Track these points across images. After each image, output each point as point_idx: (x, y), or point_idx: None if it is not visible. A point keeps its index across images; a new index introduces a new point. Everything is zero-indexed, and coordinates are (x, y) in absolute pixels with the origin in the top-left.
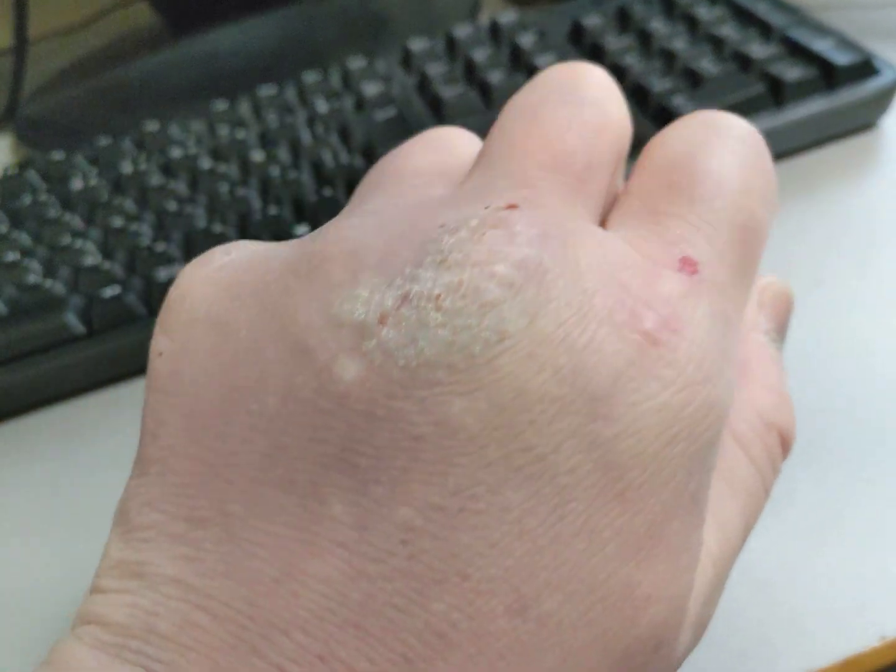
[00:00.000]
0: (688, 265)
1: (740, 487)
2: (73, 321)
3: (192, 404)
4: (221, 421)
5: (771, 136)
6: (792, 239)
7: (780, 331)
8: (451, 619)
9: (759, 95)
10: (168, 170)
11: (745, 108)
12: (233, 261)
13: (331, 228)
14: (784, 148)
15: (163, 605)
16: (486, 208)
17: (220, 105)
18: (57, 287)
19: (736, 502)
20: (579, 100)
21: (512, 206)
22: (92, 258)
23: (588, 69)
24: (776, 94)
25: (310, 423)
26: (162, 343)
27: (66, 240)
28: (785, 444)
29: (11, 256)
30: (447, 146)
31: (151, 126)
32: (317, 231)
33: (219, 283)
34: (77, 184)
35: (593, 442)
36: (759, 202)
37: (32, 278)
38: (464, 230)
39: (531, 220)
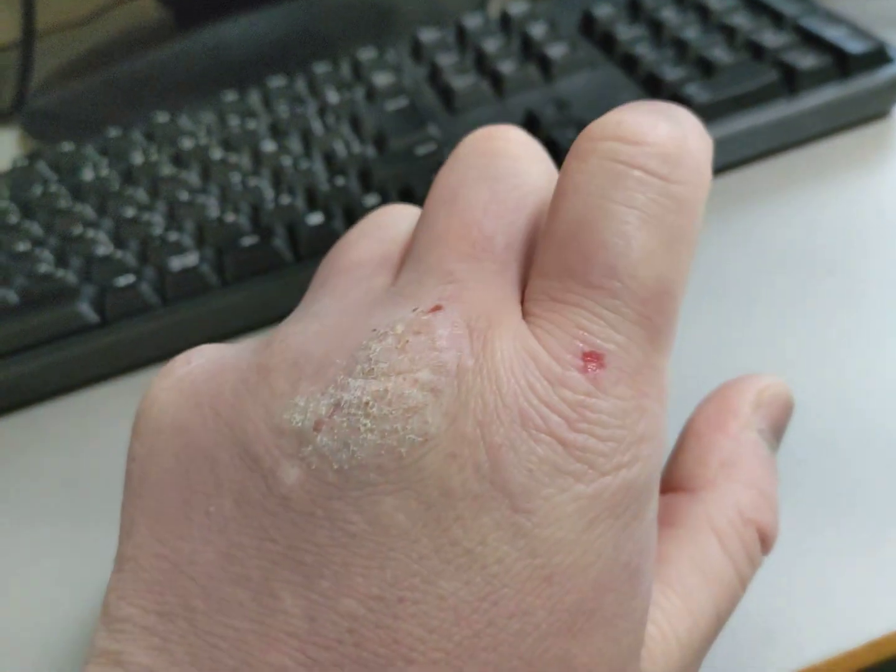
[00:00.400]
0: (593, 359)
1: (713, 578)
2: (86, 310)
3: (158, 507)
4: (183, 523)
5: (785, 125)
6: (805, 228)
7: (776, 432)
8: None
9: (772, 83)
10: (179, 160)
11: (758, 97)
12: (192, 370)
13: (279, 335)
14: (798, 136)
15: None
16: (413, 310)
17: (230, 96)
18: (69, 276)
19: (708, 591)
20: (495, 174)
21: (437, 308)
22: (104, 248)
23: (502, 133)
24: (790, 82)
25: (260, 524)
26: (135, 448)
27: (77, 230)
28: (765, 542)
29: (22, 246)
30: (388, 232)
31: (161, 117)
32: (271, 336)
33: (182, 391)
34: (88, 174)
35: (517, 533)
36: (667, 257)
37: (44, 268)
38: (390, 337)
39: (453, 320)
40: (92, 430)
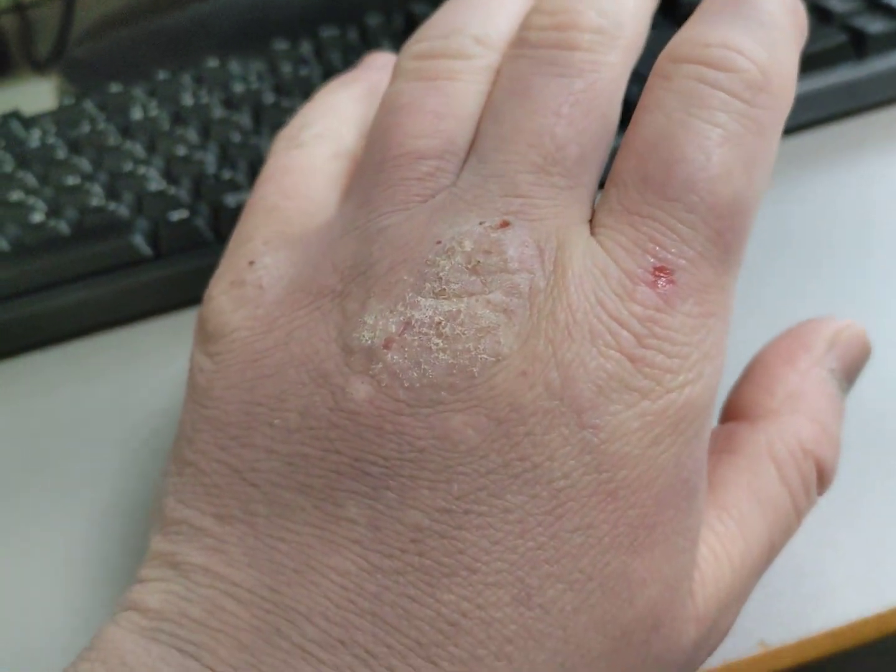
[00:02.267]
0: (663, 274)
1: (769, 505)
2: (140, 243)
3: (223, 417)
4: (247, 432)
5: (853, 88)
6: (868, 193)
7: (848, 374)
8: (461, 609)
9: (841, 45)
10: (230, 104)
11: (826, 59)
12: (262, 289)
13: (342, 249)
14: (866, 101)
15: (194, 591)
16: (480, 223)
17: (281, 45)
18: (122, 210)
19: (763, 518)
20: (571, 68)
21: (504, 224)
22: (156, 184)
23: (576, 11)
24: (858, 46)
25: (325, 436)
26: (201, 361)
27: (128, 166)
28: (822, 477)
29: (72, 181)
30: (449, 104)
31: (211, 62)
32: (331, 245)
33: (254, 316)
34: (136, 114)
35: (584, 448)
36: (744, 179)
37: (95, 201)
38: (458, 255)
39: (523, 239)
40: (143, 363)
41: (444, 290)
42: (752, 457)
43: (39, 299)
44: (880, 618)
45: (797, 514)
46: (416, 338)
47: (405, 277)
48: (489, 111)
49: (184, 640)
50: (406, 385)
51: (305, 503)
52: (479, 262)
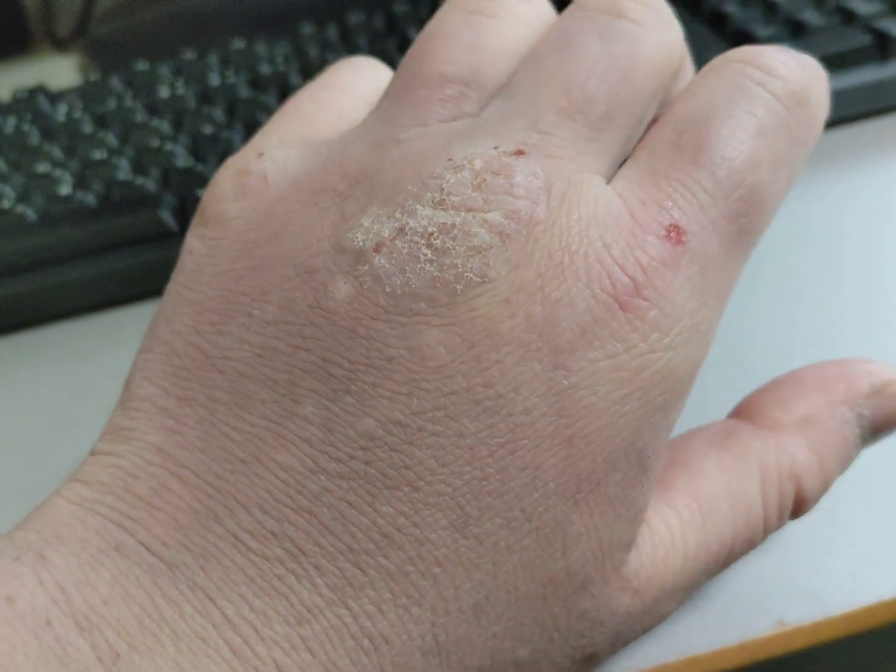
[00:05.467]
0: (674, 233)
1: (740, 511)
2: (167, 217)
3: (205, 302)
4: (225, 319)
5: (876, 89)
6: (892, 190)
7: (875, 428)
8: (396, 523)
9: (865, 47)
10: (257, 84)
11: (850, 59)
12: (267, 180)
13: (356, 154)
14: (889, 102)
15: (143, 469)
16: (495, 148)
17: (307, 28)
18: (149, 184)
19: (731, 521)
20: (615, 33)
21: (519, 153)
22: (183, 160)
23: None
24: (882, 47)
25: (299, 332)
26: (194, 242)
27: (154, 142)
28: (799, 507)
29: (98, 155)
30: (482, 38)
31: (238, 43)
32: (345, 148)
33: (255, 207)
34: (163, 92)
35: (551, 389)
36: (770, 174)
37: (122, 175)
38: (466, 171)
39: (534, 170)
40: None
41: (444, 200)
42: (741, 459)
43: (67, 269)
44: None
45: (764, 530)
46: (406, 245)
47: (409, 187)
48: (528, 57)
49: (123, 514)
50: (387, 290)
51: (266, 396)
52: (484, 180)
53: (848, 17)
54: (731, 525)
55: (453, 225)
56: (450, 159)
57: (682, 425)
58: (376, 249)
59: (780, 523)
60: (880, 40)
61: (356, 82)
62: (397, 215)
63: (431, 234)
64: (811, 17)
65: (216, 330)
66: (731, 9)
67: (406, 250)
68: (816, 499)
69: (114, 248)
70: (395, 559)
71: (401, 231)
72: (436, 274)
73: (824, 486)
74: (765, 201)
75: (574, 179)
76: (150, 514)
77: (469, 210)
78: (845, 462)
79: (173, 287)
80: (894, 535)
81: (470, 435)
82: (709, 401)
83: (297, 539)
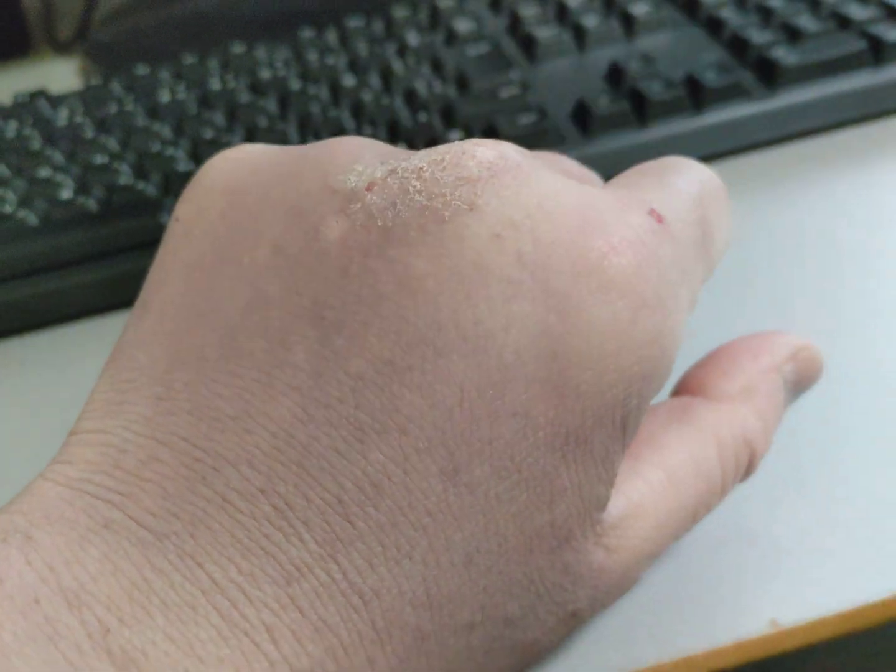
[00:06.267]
0: (655, 215)
1: (703, 478)
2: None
3: (196, 260)
4: (216, 272)
5: (870, 94)
6: (885, 194)
7: (798, 388)
8: (386, 471)
9: (859, 52)
10: (256, 89)
11: (845, 65)
12: (256, 149)
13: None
14: (882, 107)
15: (132, 442)
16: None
17: (307, 33)
18: (150, 189)
19: (695, 488)
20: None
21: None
22: (184, 164)
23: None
24: (876, 53)
25: (291, 275)
26: (181, 209)
27: (156, 147)
28: (749, 468)
29: (100, 159)
30: None
31: (238, 48)
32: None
33: (240, 161)
34: (164, 96)
35: (543, 332)
36: (714, 217)
37: (123, 180)
38: (460, 133)
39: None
40: None
41: (436, 147)
42: (698, 430)
43: (69, 274)
44: (892, 601)
45: (721, 493)
46: (397, 181)
47: (403, 155)
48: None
49: (112, 490)
50: (379, 224)
51: (255, 347)
52: (476, 142)
53: (843, 22)
54: (695, 492)
55: (443, 158)
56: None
57: None
58: (368, 188)
59: (734, 485)
60: (874, 45)
61: None
62: (391, 161)
63: (421, 168)
64: (806, 22)
65: (207, 285)
66: (728, 14)
67: (397, 186)
68: (761, 457)
69: (115, 253)
70: (385, 510)
71: (392, 171)
72: (425, 203)
73: (767, 446)
74: (713, 233)
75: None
76: (139, 487)
77: (460, 148)
78: (779, 421)
79: (163, 255)
80: (887, 536)
81: (459, 373)
82: None
83: (286, 494)
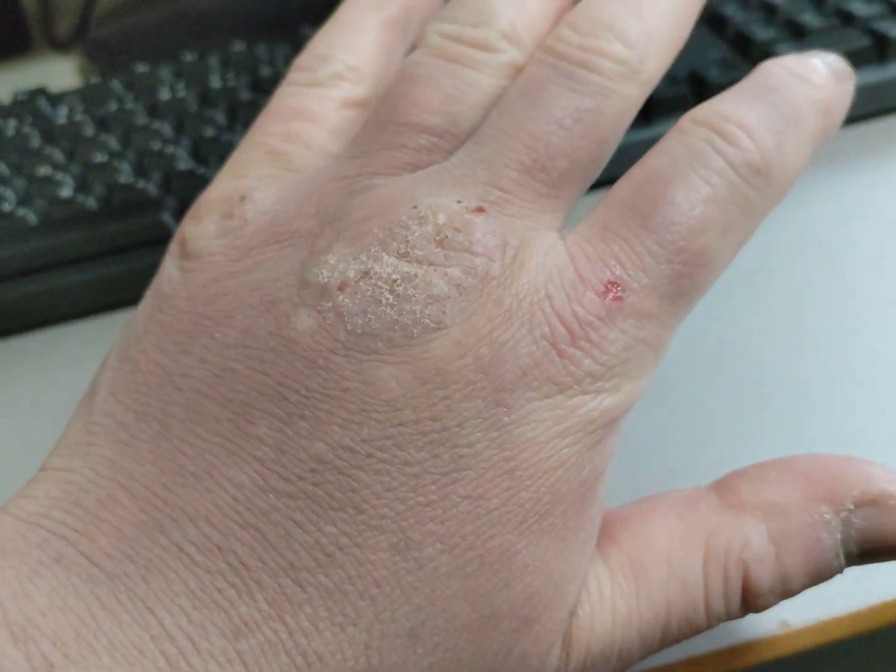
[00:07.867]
0: (613, 289)
1: (677, 581)
2: (169, 221)
3: (173, 323)
4: (189, 340)
5: (874, 91)
6: (890, 191)
7: (863, 544)
8: (339, 543)
9: (863, 49)
10: (258, 87)
11: (849, 61)
12: (248, 220)
13: (331, 193)
14: (887, 104)
15: (94, 482)
16: (458, 202)
17: (307, 31)
18: (150, 188)
19: (665, 589)
20: (585, 87)
21: (479, 210)
22: (184, 163)
23: (605, 39)
24: (880, 49)
25: (259, 356)
26: (173, 273)
27: (156, 145)
28: (748, 595)
29: (100, 157)
30: (462, 84)
31: (238, 46)
32: (320, 187)
33: (234, 245)
34: (164, 94)
35: (493, 424)
36: (717, 240)
37: (124, 178)
38: (430, 225)
39: (492, 228)
40: None
41: (409, 253)
42: (689, 530)
43: (68, 273)
44: None
45: (706, 612)
46: (370, 288)
47: (375, 231)
48: (499, 104)
49: (68, 527)
50: (349, 328)
51: (221, 415)
52: (446, 236)
53: (847, 18)
54: (665, 594)
55: (415, 275)
56: (415, 207)
57: (695, 437)
58: (340, 288)
59: (727, 609)
60: (879, 42)
61: (323, 100)
62: (363, 258)
63: (395, 280)
64: (810, 18)
65: (179, 349)
66: (731, 11)
67: (370, 293)
68: (771, 593)
69: (115, 252)
70: (335, 577)
71: (365, 274)
72: (395, 318)
73: (781, 584)
74: (709, 265)
75: (528, 237)
76: (95, 526)
77: (431, 264)
78: (815, 567)
79: (147, 308)
80: None
81: (416, 464)
82: (716, 404)
83: (242, 554)
